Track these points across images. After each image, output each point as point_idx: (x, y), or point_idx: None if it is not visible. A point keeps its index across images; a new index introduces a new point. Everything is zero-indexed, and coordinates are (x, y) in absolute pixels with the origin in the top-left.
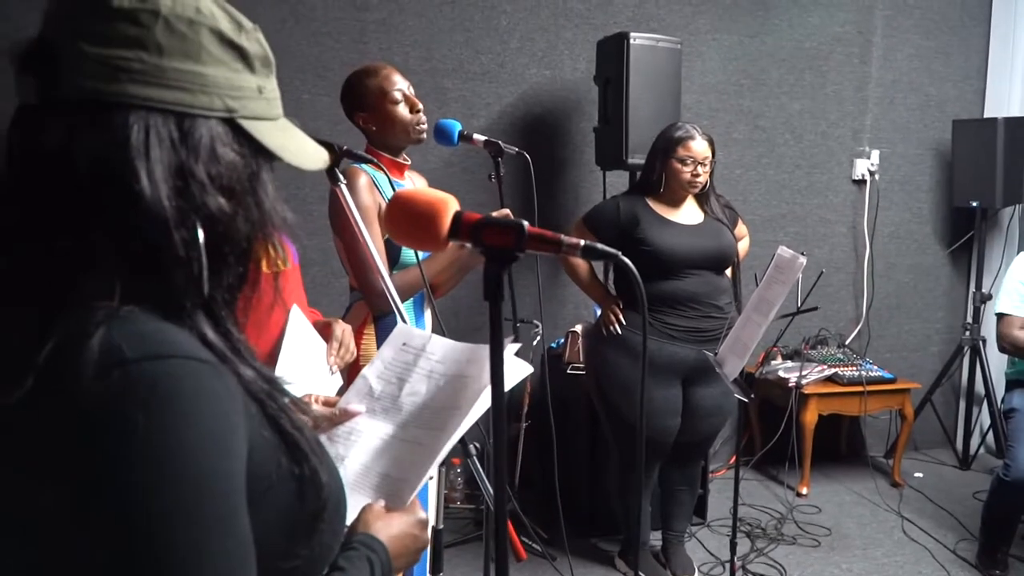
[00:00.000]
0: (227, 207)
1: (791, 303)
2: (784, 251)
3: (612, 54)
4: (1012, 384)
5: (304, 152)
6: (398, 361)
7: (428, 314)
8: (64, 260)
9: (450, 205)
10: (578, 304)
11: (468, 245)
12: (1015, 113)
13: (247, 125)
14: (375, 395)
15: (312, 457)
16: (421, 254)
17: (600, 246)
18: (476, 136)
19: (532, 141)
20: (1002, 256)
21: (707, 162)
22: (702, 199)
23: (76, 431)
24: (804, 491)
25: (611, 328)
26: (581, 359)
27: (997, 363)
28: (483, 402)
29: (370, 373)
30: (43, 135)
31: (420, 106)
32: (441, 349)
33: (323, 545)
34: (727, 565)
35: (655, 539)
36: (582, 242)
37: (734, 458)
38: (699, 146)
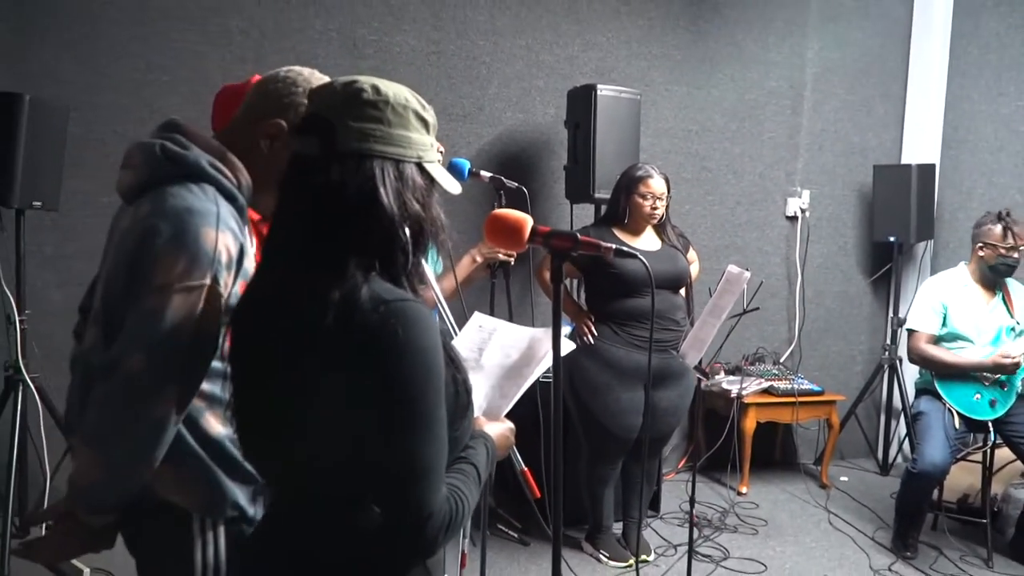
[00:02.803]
0: (422, 212)
1: (739, 308)
2: (733, 268)
3: (581, 102)
4: (920, 391)
5: (451, 182)
6: (476, 337)
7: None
8: (339, 246)
9: (528, 222)
10: (546, 320)
11: (479, 260)
12: (927, 160)
13: (427, 166)
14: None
15: (464, 369)
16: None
17: (626, 248)
18: (483, 172)
19: (506, 176)
20: (916, 285)
21: (663, 197)
22: (660, 229)
23: (365, 340)
24: (744, 490)
25: (584, 339)
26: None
27: (913, 380)
28: (543, 366)
29: (456, 344)
30: (327, 174)
31: (442, 150)
32: (508, 331)
33: (465, 429)
34: (678, 548)
35: (616, 527)
36: (613, 246)
37: (683, 461)
38: (657, 183)
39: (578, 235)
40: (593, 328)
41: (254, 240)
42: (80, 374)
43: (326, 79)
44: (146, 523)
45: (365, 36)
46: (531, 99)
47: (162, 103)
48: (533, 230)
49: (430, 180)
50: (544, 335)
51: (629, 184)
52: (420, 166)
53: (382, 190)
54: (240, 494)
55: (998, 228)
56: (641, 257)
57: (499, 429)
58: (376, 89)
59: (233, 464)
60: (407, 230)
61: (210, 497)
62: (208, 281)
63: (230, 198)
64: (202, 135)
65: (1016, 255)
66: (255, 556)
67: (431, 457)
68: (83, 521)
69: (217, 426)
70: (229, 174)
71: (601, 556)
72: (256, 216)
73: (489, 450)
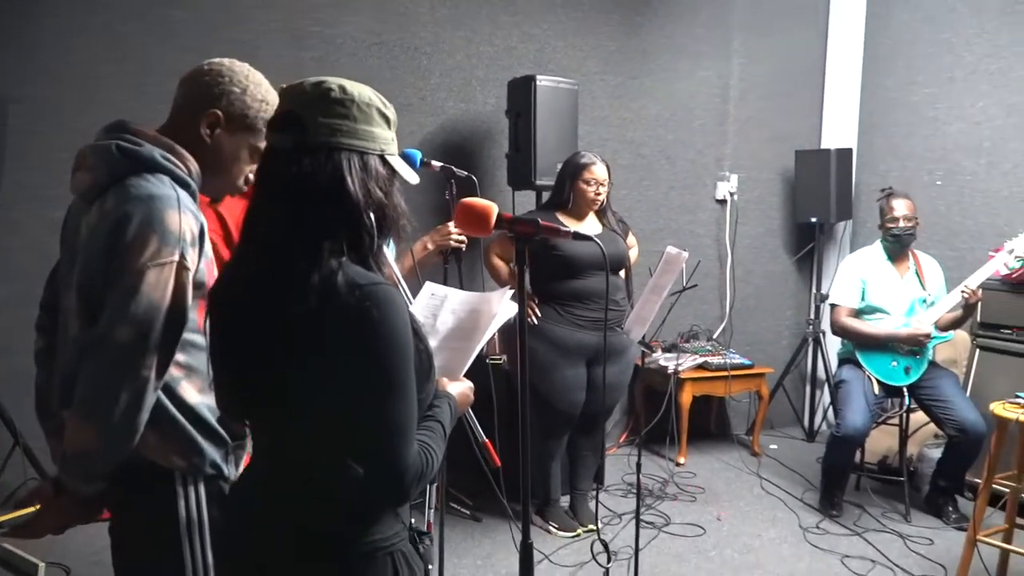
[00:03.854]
0: (384, 200)
1: (678, 286)
2: (671, 249)
3: (522, 92)
4: (843, 361)
5: (410, 173)
6: (429, 304)
7: None
8: (312, 231)
9: (495, 209)
10: None
11: (431, 247)
12: (845, 145)
13: (388, 158)
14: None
15: (426, 338)
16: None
17: (582, 231)
18: (434, 162)
19: (449, 164)
20: (836, 263)
21: (606, 183)
22: (600, 214)
23: (344, 321)
24: (682, 460)
25: (529, 320)
26: (498, 351)
27: (835, 351)
28: (493, 325)
29: (412, 311)
30: (299, 165)
31: None
32: (457, 296)
33: (429, 391)
34: (622, 517)
35: (564, 500)
36: (572, 229)
37: (624, 436)
38: (600, 170)
39: (539, 221)
40: (537, 309)
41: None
42: (68, 360)
43: (245, 67)
44: (132, 485)
45: (307, 27)
46: (472, 89)
47: (105, 95)
48: (499, 217)
49: (391, 171)
50: (490, 297)
51: (575, 171)
52: (382, 158)
53: (349, 179)
54: (217, 455)
55: (881, 203)
56: (597, 241)
57: (460, 388)
58: (343, 88)
59: (208, 428)
60: (371, 216)
61: (190, 457)
62: (177, 258)
63: (183, 185)
64: (149, 132)
65: (900, 224)
66: (240, 514)
67: (404, 419)
68: (74, 493)
69: (194, 394)
70: (180, 164)
71: (551, 527)
72: (206, 199)
73: (452, 407)
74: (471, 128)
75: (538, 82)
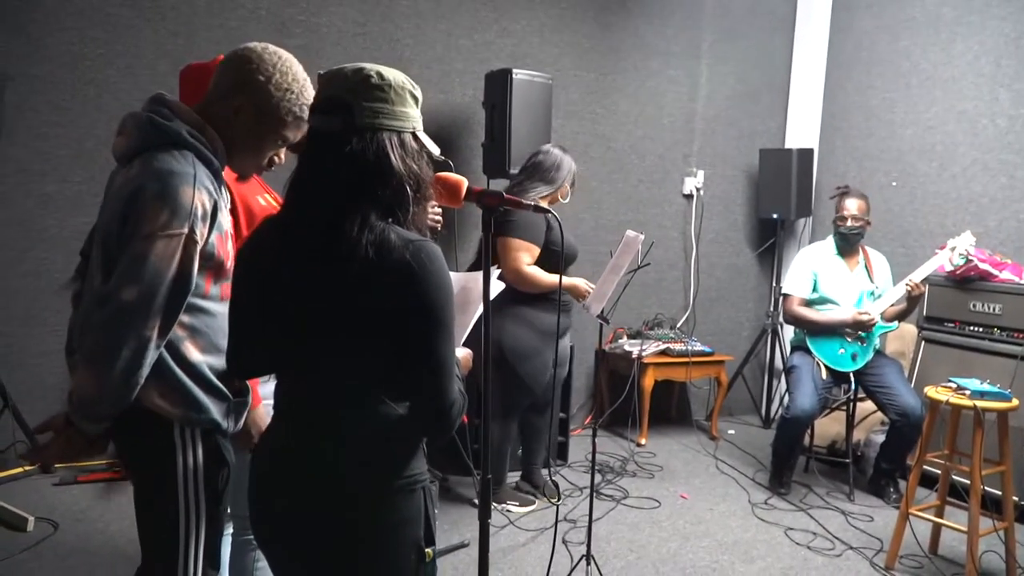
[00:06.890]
0: (420, 171)
1: (634, 265)
2: (629, 232)
3: (498, 85)
4: (794, 348)
5: (432, 145)
6: None
7: None
8: (362, 201)
9: (465, 182)
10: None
11: None
12: (807, 145)
13: (418, 134)
14: None
15: None
16: None
17: (543, 205)
18: None
19: None
20: None
21: None
22: None
23: (401, 271)
24: (643, 441)
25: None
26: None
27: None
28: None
29: None
30: (349, 145)
31: None
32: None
33: None
34: (584, 490)
35: (513, 478)
36: (533, 203)
37: (589, 419)
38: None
39: (504, 193)
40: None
41: (229, 196)
42: (86, 308)
43: (276, 54)
44: (135, 431)
45: (293, 16)
46: (450, 81)
47: (96, 75)
48: (468, 189)
49: (420, 144)
50: (477, 275)
51: (572, 176)
52: (413, 134)
53: (392, 157)
54: (215, 410)
55: (836, 200)
56: (554, 213)
57: (461, 353)
58: (380, 75)
59: (209, 384)
60: (409, 187)
61: (188, 409)
62: (186, 231)
63: (207, 162)
64: (185, 108)
65: (848, 223)
66: (276, 460)
67: (451, 358)
68: (81, 430)
69: (196, 353)
70: (205, 142)
71: (511, 507)
72: (233, 175)
73: (459, 366)
74: (449, 118)
75: (514, 75)
